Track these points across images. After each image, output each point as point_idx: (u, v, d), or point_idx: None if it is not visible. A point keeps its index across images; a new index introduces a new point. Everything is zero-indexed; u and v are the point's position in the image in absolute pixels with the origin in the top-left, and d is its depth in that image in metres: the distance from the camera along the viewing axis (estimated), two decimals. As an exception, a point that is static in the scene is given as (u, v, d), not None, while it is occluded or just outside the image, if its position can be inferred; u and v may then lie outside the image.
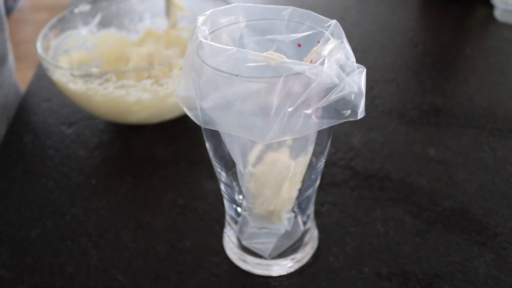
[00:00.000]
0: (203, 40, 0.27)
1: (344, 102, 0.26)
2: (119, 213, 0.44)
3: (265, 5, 0.31)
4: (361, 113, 0.26)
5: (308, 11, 0.30)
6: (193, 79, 0.27)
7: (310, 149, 0.31)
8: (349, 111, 0.26)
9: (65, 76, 0.49)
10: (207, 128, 0.29)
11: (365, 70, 0.26)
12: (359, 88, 0.26)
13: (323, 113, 0.27)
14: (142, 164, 0.50)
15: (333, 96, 0.26)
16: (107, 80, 0.48)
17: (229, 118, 0.27)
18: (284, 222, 0.36)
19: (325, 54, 0.26)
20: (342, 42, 0.27)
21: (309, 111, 0.26)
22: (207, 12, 0.30)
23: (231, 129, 0.27)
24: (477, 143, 0.50)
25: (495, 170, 0.46)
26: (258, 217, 0.35)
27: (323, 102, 0.26)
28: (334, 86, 0.25)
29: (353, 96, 0.26)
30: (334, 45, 0.27)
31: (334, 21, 0.29)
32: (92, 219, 0.44)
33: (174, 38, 0.59)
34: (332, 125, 0.27)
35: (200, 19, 0.29)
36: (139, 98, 0.48)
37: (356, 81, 0.26)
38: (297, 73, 0.25)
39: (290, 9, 0.30)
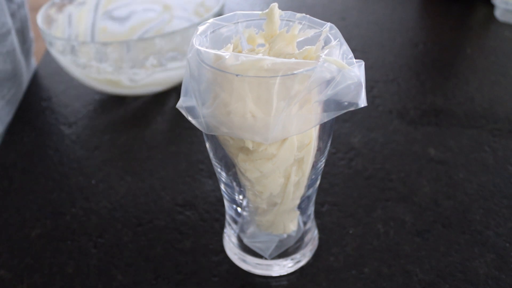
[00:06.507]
0: (199, 47, 0.27)
1: (344, 94, 0.26)
2: (119, 213, 0.44)
3: (263, 12, 0.31)
4: (362, 102, 0.26)
5: (304, 14, 0.30)
6: (193, 87, 0.28)
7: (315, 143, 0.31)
8: (350, 102, 0.27)
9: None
10: (210, 133, 0.29)
11: (363, 63, 0.27)
12: (358, 79, 0.26)
13: (324, 106, 0.27)
14: (142, 164, 0.50)
15: (332, 89, 0.26)
16: None
17: (230, 121, 0.27)
18: (292, 234, 0.36)
19: (323, 53, 0.26)
20: (339, 41, 0.27)
21: (309, 107, 0.26)
22: (208, 21, 0.30)
23: (234, 133, 0.27)
24: (477, 143, 0.50)
25: (496, 170, 0.46)
26: (263, 227, 0.36)
27: (323, 96, 0.26)
28: (333, 79, 0.26)
29: (352, 87, 0.26)
30: (331, 43, 0.27)
31: (329, 23, 0.29)
32: (92, 219, 0.44)
33: None
34: (334, 116, 0.27)
35: (200, 28, 0.29)
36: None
37: (355, 72, 0.26)
38: (295, 72, 0.25)
39: (288, 13, 0.31)
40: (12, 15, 0.61)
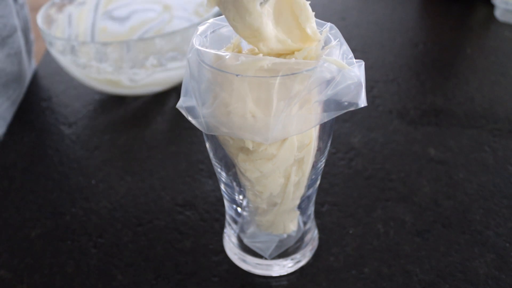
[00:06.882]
0: (199, 47, 0.27)
1: (344, 94, 0.26)
2: (119, 213, 0.44)
3: None
4: (362, 102, 0.26)
5: None
6: (193, 87, 0.28)
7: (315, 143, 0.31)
8: (350, 102, 0.27)
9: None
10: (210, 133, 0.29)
11: (363, 63, 0.27)
12: (358, 79, 0.26)
13: (325, 106, 0.27)
14: (142, 164, 0.50)
15: (332, 89, 0.26)
16: None
17: (231, 121, 0.27)
18: (292, 234, 0.36)
19: (323, 53, 0.26)
20: (339, 41, 0.27)
21: (309, 107, 0.26)
22: (208, 21, 0.30)
23: (234, 133, 0.27)
24: (477, 143, 0.50)
25: (496, 170, 0.46)
26: (263, 227, 0.36)
27: (323, 96, 0.26)
28: (333, 79, 0.26)
29: (352, 87, 0.26)
30: (331, 43, 0.27)
31: (329, 23, 0.29)
32: (92, 219, 0.44)
33: None
34: (334, 116, 0.27)
35: (200, 28, 0.29)
36: None
37: (355, 72, 0.26)
38: (295, 72, 0.25)
39: None
40: (17, 15, 0.61)
